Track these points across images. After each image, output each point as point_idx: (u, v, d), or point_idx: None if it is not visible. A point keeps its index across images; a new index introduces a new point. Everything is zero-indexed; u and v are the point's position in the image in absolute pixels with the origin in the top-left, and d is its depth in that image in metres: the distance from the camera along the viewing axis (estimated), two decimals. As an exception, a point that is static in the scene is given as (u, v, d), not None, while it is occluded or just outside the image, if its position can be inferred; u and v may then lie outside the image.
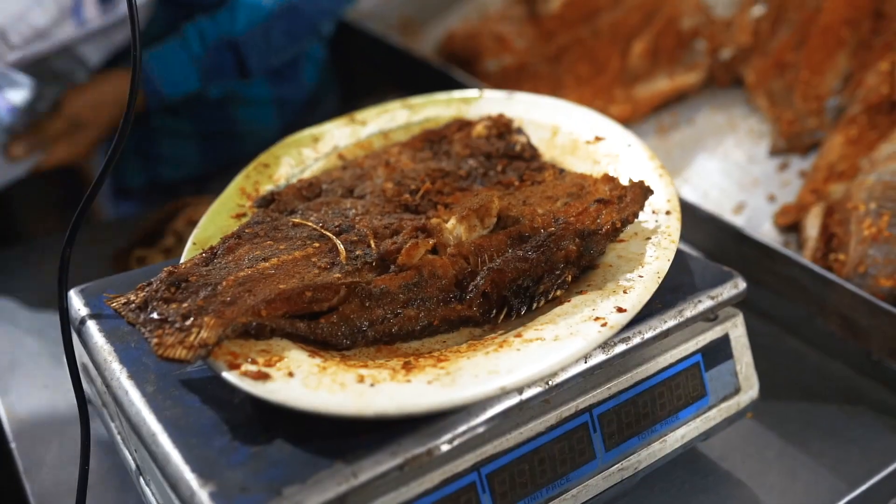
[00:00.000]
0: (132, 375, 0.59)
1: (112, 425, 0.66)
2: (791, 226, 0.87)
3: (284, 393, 0.51)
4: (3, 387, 0.82)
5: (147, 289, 0.57)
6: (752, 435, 0.75)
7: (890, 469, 0.71)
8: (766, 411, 0.76)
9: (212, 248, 0.63)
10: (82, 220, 0.61)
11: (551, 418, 0.59)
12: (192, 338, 0.53)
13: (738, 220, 0.91)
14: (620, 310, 0.58)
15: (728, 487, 0.69)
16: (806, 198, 0.88)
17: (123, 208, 1.31)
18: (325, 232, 0.63)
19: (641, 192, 0.66)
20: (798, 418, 0.77)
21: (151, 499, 0.60)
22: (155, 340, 0.53)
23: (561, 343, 0.55)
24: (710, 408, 0.66)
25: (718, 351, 0.67)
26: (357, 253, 0.61)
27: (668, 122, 1.09)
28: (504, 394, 0.53)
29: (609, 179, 0.68)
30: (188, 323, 0.53)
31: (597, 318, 0.57)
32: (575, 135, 0.80)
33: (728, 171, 1.00)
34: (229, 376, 0.53)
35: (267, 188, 0.74)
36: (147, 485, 0.61)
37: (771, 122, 1.01)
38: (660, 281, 0.61)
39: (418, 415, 0.51)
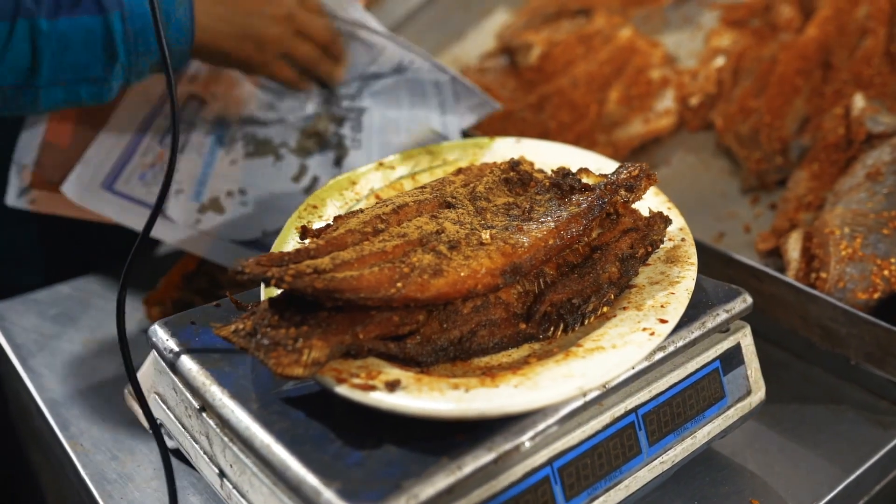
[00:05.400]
0: (234, 396, 0.66)
1: (196, 447, 0.72)
2: (770, 251, 0.99)
3: (392, 400, 0.59)
4: (62, 423, 0.87)
5: (253, 317, 0.64)
6: (755, 434, 0.85)
7: (877, 456, 0.82)
8: (764, 413, 0.86)
9: None
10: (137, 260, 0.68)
11: (606, 418, 0.68)
12: (304, 357, 0.60)
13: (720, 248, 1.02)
14: (663, 321, 0.67)
15: (743, 478, 0.79)
16: (781, 226, 1.00)
17: None
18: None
19: (663, 221, 0.77)
20: (792, 418, 0.87)
21: (244, 511, 0.66)
22: (272, 361, 0.60)
23: (619, 350, 0.64)
24: (728, 407, 0.76)
25: (733, 358, 0.77)
26: None
27: (645, 163, 1.20)
28: (582, 394, 0.61)
29: (632, 211, 0.78)
30: (298, 345, 0.61)
31: (644, 329, 0.67)
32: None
33: (705, 206, 1.11)
34: (341, 389, 0.60)
35: (317, 225, 0.81)
36: (243, 496, 0.67)
37: (741, 162, 1.13)
38: (689, 296, 0.71)
39: (513, 414, 0.59)
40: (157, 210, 0.73)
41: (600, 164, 0.90)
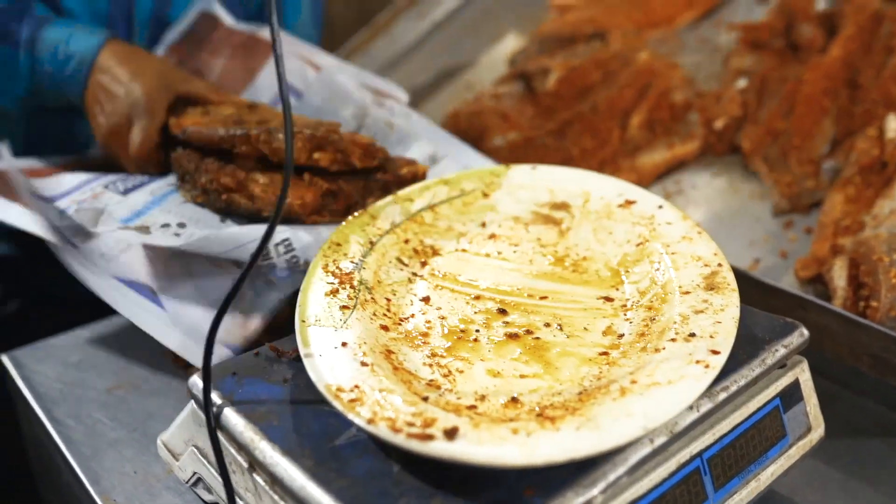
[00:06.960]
0: (286, 452, 0.63)
1: (243, 504, 0.69)
2: (811, 278, 0.97)
3: (455, 450, 0.56)
4: (92, 477, 0.83)
5: None
6: (812, 471, 0.82)
7: (940, 490, 0.79)
8: (819, 448, 0.83)
9: None
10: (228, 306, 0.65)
11: (672, 464, 0.65)
12: None
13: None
14: (715, 352, 0.65)
15: (805, 519, 0.77)
16: (821, 251, 0.98)
17: None
18: None
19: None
20: (847, 453, 0.84)
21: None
22: None
23: (676, 385, 0.62)
24: (790, 446, 0.74)
25: (792, 394, 0.75)
26: None
27: (672, 188, 1.18)
28: (646, 433, 0.59)
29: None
30: None
31: (697, 362, 0.64)
32: (606, 199, 0.87)
33: (736, 231, 1.09)
34: (400, 440, 0.57)
35: (344, 264, 0.79)
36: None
37: (771, 185, 1.11)
38: (736, 324, 0.68)
39: (579, 460, 0.57)
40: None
41: (622, 189, 0.88)
